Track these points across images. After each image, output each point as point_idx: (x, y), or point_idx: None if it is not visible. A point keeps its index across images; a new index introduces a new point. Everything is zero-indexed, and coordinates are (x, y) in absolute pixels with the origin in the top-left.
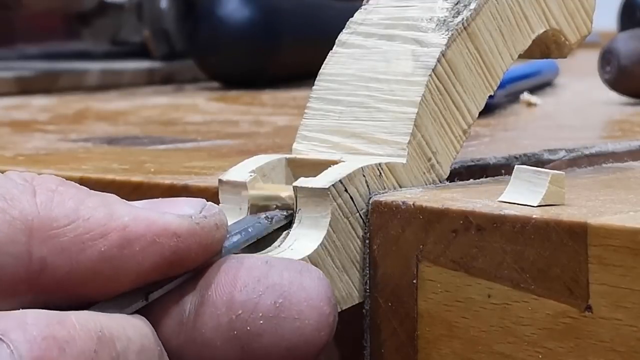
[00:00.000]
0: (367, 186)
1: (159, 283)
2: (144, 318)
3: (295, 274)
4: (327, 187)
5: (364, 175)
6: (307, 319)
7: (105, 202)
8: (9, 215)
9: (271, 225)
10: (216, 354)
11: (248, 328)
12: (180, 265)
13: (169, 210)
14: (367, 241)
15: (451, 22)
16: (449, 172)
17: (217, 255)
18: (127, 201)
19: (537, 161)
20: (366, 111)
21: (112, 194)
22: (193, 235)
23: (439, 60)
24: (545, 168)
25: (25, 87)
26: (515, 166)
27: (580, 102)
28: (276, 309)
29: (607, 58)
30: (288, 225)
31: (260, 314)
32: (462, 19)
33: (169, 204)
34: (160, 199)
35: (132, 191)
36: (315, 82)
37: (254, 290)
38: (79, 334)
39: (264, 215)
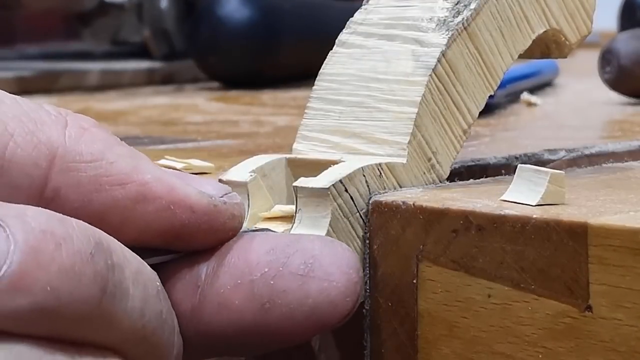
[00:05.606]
0: (367, 186)
1: (154, 250)
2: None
3: (327, 242)
4: (327, 187)
5: (364, 175)
6: (336, 282)
7: (134, 155)
8: (37, 138)
9: None
10: (233, 311)
11: (272, 282)
12: (184, 240)
13: (193, 184)
14: (367, 241)
15: (451, 22)
16: (449, 172)
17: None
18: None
19: (537, 161)
20: (366, 111)
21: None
22: (207, 214)
23: (439, 60)
24: (546, 168)
25: (25, 87)
26: (519, 165)
27: (580, 102)
28: (305, 268)
29: (607, 58)
30: None
31: (288, 271)
32: (462, 19)
33: (194, 179)
34: (186, 173)
35: None
36: (316, 82)
37: (283, 252)
38: (78, 235)
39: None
